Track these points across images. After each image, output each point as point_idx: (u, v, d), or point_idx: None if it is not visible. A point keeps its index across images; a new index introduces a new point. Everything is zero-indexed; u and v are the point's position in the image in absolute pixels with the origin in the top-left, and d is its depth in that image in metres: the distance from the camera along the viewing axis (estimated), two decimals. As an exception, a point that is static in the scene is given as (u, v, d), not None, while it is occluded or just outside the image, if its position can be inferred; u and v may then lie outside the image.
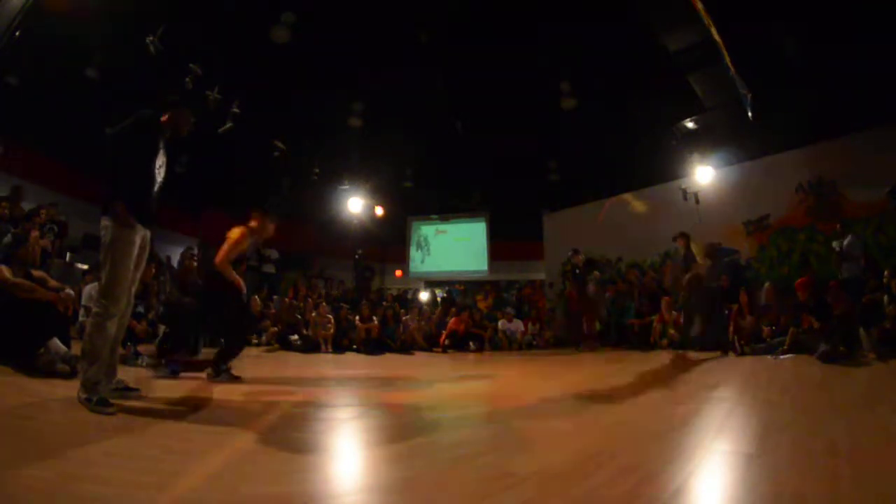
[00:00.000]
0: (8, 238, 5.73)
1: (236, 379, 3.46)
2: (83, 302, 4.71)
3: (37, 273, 3.66)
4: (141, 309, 4.84)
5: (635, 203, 9.97)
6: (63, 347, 3.07)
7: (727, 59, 6.26)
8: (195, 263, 5.81)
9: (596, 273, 7.46)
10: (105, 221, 2.41)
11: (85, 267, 7.02)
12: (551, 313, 11.14)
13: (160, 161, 2.60)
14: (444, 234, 14.00)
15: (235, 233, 3.51)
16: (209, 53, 7.79)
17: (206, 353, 4.88)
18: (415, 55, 8.80)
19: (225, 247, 3.45)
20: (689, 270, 6.37)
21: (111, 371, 2.51)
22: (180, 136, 2.73)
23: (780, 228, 7.93)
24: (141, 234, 2.50)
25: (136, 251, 2.48)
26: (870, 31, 6.19)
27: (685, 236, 6.54)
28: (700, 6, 5.80)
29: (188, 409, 2.44)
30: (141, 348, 4.19)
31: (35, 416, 1.98)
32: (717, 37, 6.09)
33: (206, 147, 8.95)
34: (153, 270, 5.07)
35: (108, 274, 2.39)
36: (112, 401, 2.24)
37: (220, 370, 3.47)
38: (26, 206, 7.02)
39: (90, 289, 5.22)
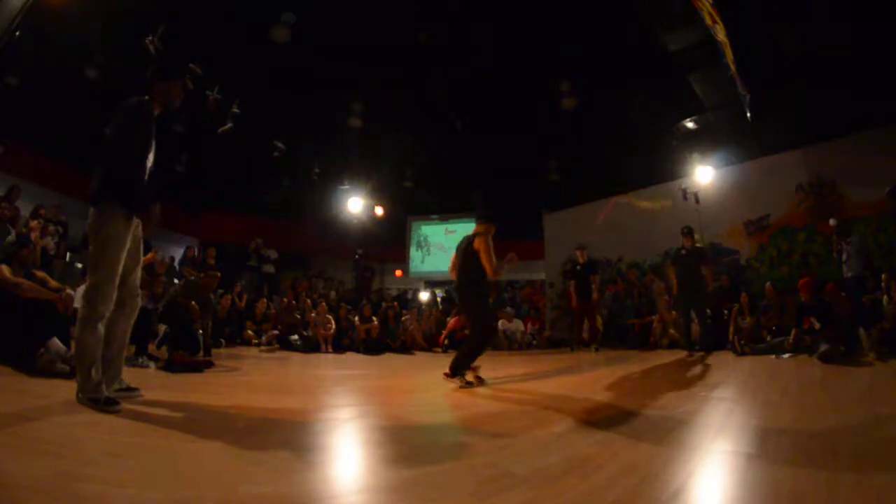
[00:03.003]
0: (12, 237, 5.74)
1: (482, 382, 3.54)
2: (75, 303, 4.68)
3: (38, 273, 3.67)
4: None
5: (640, 203, 9.95)
6: (63, 347, 3.08)
7: (729, 57, 6.25)
8: (216, 282, 5.76)
9: (596, 278, 7.43)
10: (93, 214, 2.29)
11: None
12: (556, 311, 11.15)
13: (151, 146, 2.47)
14: (453, 235, 13.97)
15: (483, 242, 3.67)
16: (209, 53, 7.79)
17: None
18: (415, 55, 8.80)
19: (486, 257, 3.63)
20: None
21: (117, 372, 2.48)
22: (174, 108, 2.57)
23: (780, 228, 7.93)
24: (133, 227, 2.38)
25: (127, 246, 2.36)
26: (869, 31, 6.19)
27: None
28: (708, 5, 5.80)
29: (188, 408, 2.43)
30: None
31: (35, 416, 1.97)
32: (723, 37, 6.08)
33: (206, 147, 8.97)
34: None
35: (99, 272, 2.25)
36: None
37: (461, 370, 3.54)
38: (26, 206, 7.02)
39: (82, 290, 5.21)
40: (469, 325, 3.85)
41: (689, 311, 6.31)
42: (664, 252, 9.56)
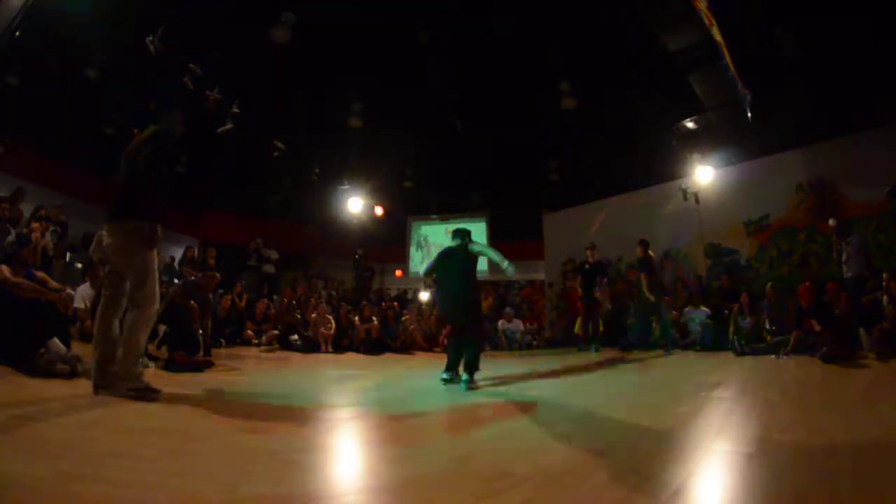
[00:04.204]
0: (11, 237, 5.74)
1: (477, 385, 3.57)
2: (75, 304, 4.70)
3: (39, 274, 3.67)
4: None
5: (640, 203, 9.95)
6: (63, 347, 3.07)
7: (727, 58, 6.25)
8: (215, 283, 5.84)
9: (603, 280, 7.52)
10: (132, 229, 2.59)
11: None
12: (555, 311, 11.14)
13: None
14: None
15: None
16: (209, 53, 7.79)
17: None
18: (415, 55, 8.79)
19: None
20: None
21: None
22: (178, 134, 2.95)
23: (780, 228, 7.93)
24: None
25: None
26: (869, 31, 6.19)
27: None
28: (702, 6, 5.79)
29: (188, 409, 2.43)
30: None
31: (35, 416, 1.97)
32: (718, 37, 6.08)
33: (206, 147, 8.96)
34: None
35: (149, 280, 2.61)
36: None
37: (473, 379, 3.60)
38: (27, 206, 7.01)
39: (82, 290, 5.23)
40: (468, 330, 3.86)
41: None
42: (664, 252, 9.57)
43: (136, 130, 2.90)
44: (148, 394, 2.43)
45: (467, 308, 3.85)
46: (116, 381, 2.46)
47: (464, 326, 3.88)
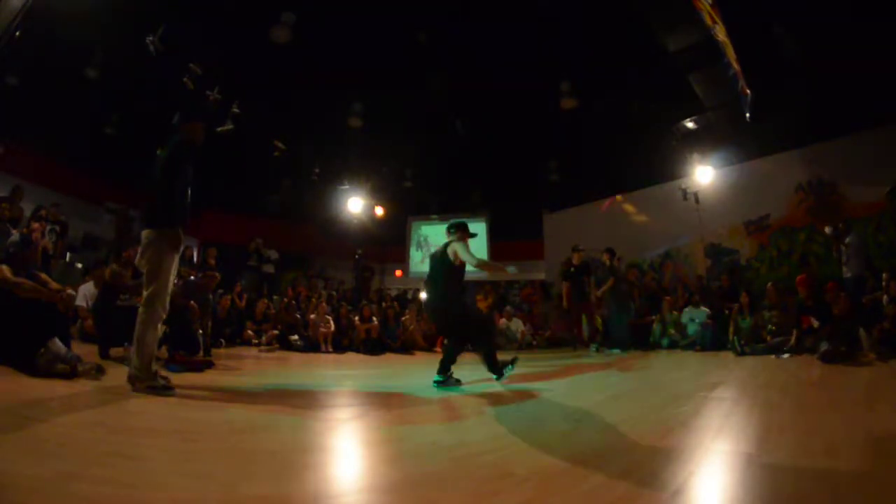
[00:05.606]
0: (15, 237, 5.74)
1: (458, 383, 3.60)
2: (77, 302, 4.75)
3: (41, 275, 3.67)
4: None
5: (640, 203, 10.02)
6: (63, 347, 3.07)
7: (731, 57, 6.24)
8: (215, 283, 5.87)
9: (590, 279, 7.61)
10: (152, 233, 2.74)
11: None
12: (557, 311, 11.13)
13: None
14: None
15: (459, 245, 3.71)
16: (209, 53, 7.79)
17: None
18: (415, 55, 8.79)
19: (466, 252, 3.62)
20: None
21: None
22: (199, 144, 3.11)
23: (780, 228, 7.93)
24: None
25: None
26: (870, 31, 6.19)
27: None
28: (707, 6, 5.78)
29: (188, 409, 2.44)
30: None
31: (35, 416, 1.97)
32: (724, 37, 6.07)
33: (205, 147, 8.95)
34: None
35: (158, 281, 2.70)
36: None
37: (448, 376, 3.63)
38: (26, 206, 7.02)
39: (85, 289, 5.26)
40: (463, 334, 3.87)
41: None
42: (664, 252, 9.58)
43: (160, 148, 3.02)
44: (165, 391, 2.59)
45: (437, 311, 3.92)
46: (135, 380, 2.61)
47: (444, 328, 3.91)
